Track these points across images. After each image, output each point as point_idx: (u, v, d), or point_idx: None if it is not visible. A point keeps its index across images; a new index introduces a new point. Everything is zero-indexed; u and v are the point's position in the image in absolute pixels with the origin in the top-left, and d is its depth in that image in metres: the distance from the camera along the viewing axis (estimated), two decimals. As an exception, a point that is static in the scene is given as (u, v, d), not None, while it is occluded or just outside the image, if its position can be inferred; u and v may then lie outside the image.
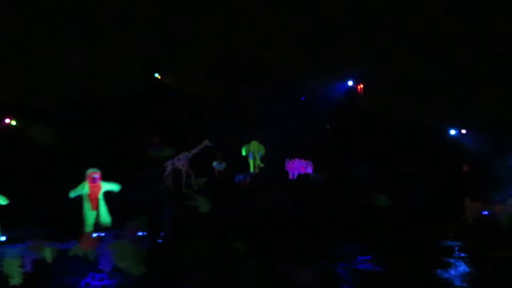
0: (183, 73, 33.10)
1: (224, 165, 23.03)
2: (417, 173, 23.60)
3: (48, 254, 12.58)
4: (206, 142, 22.32)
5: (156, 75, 33.18)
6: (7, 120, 26.05)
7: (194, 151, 22.42)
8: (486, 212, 16.59)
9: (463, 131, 28.54)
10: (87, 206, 14.59)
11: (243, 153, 23.31)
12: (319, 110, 30.01)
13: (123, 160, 23.98)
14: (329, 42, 36.35)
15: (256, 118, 27.98)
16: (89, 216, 14.52)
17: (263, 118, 27.94)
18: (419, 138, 29.33)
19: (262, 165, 23.06)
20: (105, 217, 14.72)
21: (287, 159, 22.88)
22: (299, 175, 22.42)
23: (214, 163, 23.06)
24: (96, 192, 14.74)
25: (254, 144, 23.32)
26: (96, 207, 14.60)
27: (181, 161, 22.26)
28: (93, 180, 14.57)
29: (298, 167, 22.49)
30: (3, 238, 13.21)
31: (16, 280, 11.96)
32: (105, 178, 20.49)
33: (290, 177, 22.53)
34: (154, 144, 23.89)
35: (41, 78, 33.75)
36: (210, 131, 24.38)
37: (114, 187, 15.16)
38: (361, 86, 31.37)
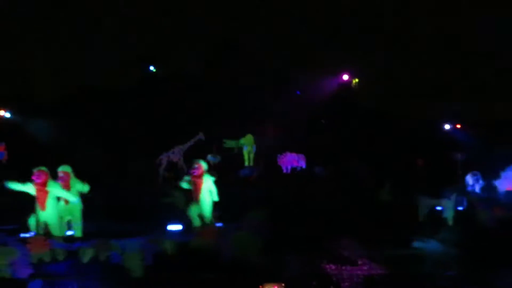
0: (180, 67, 33.22)
1: (218, 158, 23.02)
2: (416, 169, 23.53)
3: (169, 247, 12.09)
4: (200, 135, 22.41)
5: (152, 68, 33.23)
6: (2, 112, 26.08)
7: (189, 144, 22.51)
8: (439, 208, 16.29)
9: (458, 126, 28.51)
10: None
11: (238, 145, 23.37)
12: (315, 105, 29.98)
13: (122, 155, 24.09)
14: (329, 41, 36.43)
15: (253, 112, 28.01)
16: (193, 209, 13.62)
17: (260, 112, 27.98)
18: (418, 134, 29.22)
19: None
20: (208, 209, 13.78)
21: (278, 154, 22.80)
22: (293, 169, 22.40)
23: (209, 156, 23.03)
24: (198, 185, 13.76)
25: (249, 138, 23.35)
26: (198, 199, 13.69)
27: (176, 155, 22.32)
28: (193, 172, 13.69)
29: (290, 160, 22.41)
30: (70, 233, 12.76)
31: (137, 273, 11.65)
32: (105, 172, 20.53)
33: (284, 171, 22.50)
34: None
35: (39, 74, 33.97)
36: (207, 124, 24.46)
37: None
38: (357, 80, 31.29)
